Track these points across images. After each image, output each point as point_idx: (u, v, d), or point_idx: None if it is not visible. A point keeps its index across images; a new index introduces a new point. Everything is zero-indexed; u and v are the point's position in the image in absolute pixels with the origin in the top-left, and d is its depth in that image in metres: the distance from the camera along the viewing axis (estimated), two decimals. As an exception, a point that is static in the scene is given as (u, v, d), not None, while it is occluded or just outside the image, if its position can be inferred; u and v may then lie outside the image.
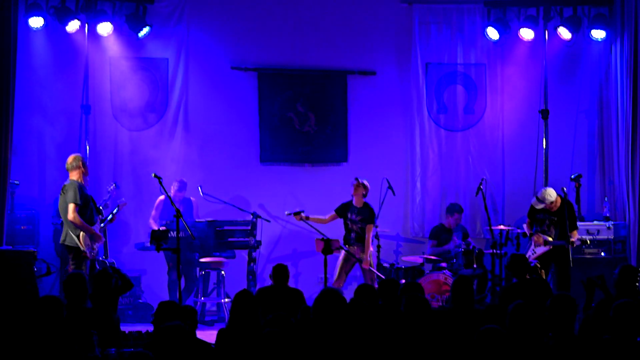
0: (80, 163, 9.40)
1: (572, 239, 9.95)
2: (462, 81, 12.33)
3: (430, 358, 5.71)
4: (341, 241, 10.43)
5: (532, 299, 7.73)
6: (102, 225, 9.61)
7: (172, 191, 10.84)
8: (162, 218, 10.85)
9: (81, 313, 6.78)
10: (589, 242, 10.25)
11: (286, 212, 10.70)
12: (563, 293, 5.97)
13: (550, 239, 10.10)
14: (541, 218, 10.23)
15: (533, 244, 10.24)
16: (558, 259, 10.03)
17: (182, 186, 11.09)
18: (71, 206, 9.14)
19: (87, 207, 9.29)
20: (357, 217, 10.52)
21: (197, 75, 12.01)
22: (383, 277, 10.21)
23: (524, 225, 10.49)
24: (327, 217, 10.69)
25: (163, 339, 5.25)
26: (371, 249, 10.50)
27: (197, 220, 10.99)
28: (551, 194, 10.10)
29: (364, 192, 10.56)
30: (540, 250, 10.14)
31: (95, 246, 9.33)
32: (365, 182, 10.60)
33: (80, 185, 9.28)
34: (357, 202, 10.57)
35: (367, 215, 10.50)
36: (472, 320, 6.23)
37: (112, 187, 10.64)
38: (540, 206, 10.14)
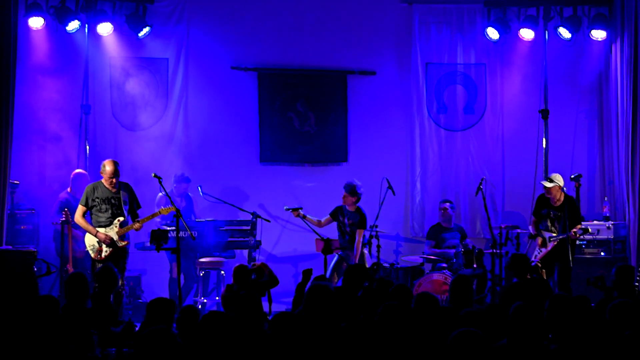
0: (102, 170, 9.47)
1: (573, 230, 9.93)
2: (462, 81, 12.34)
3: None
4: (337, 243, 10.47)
5: (532, 299, 7.74)
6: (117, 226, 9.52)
7: (174, 186, 11.10)
8: (170, 217, 10.80)
9: (81, 313, 6.79)
10: (590, 230, 10.23)
11: (285, 207, 10.72)
12: (561, 293, 5.97)
13: (554, 234, 10.12)
14: (545, 213, 10.24)
15: (537, 247, 10.28)
16: (561, 258, 10.01)
17: (178, 180, 11.10)
18: (78, 207, 9.54)
19: (96, 209, 9.42)
20: (349, 221, 10.53)
21: (197, 75, 12.02)
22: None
23: (530, 227, 10.49)
24: (323, 220, 10.68)
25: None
26: (365, 251, 10.50)
27: (197, 220, 10.99)
28: (560, 177, 10.18)
29: (354, 200, 10.53)
30: (546, 250, 10.15)
31: (103, 247, 9.36)
32: (354, 186, 10.53)
33: (92, 188, 9.49)
34: (349, 206, 10.57)
35: (358, 219, 10.48)
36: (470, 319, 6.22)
37: None
38: (548, 184, 10.13)
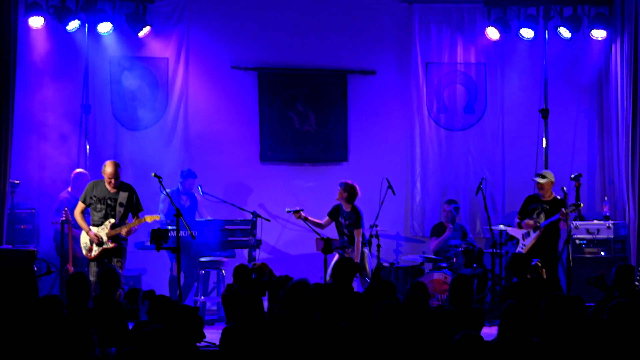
0: (103, 170, 9.52)
1: (563, 208, 10.02)
2: (462, 81, 12.34)
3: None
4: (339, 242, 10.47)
5: (532, 298, 7.75)
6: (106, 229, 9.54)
7: (180, 182, 11.07)
8: (170, 211, 10.78)
9: (82, 312, 6.79)
10: (582, 205, 10.29)
11: (286, 209, 10.72)
12: (557, 293, 5.97)
13: (540, 222, 10.23)
14: (533, 207, 10.36)
15: (522, 237, 10.32)
16: (546, 257, 10.04)
17: (185, 175, 11.11)
18: (78, 204, 9.61)
19: (92, 207, 9.47)
20: (345, 222, 10.51)
21: (197, 74, 12.02)
22: (368, 281, 10.20)
23: (512, 230, 10.56)
24: (323, 221, 10.67)
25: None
26: (366, 250, 10.49)
27: (197, 219, 11.00)
28: (551, 174, 10.39)
29: (345, 197, 10.48)
30: (529, 241, 10.21)
31: (94, 246, 9.39)
32: (349, 184, 10.51)
33: (92, 186, 9.56)
34: (345, 205, 10.56)
35: (354, 219, 10.44)
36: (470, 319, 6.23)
37: None
38: (540, 180, 10.31)
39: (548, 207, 10.28)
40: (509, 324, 5.48)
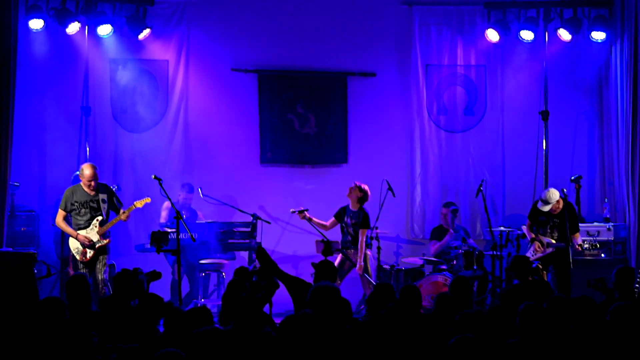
0: (80, 174, 9.59)
1: (575, 241, 9.96)
2: (462, 82, 12.34)
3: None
4: (339, 244, 10.45)
5: (532, 300, 7.74)
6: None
7: (181, 196, 11.10)
8: (170, 220, 10.80)
9: (83, 315, 6.78)
10: (598, 245, 10.25)
11: (291, 210, 10.73)
12: (560, 295, 5.97)
13: (553, 241, 10.16)
14: (544, 220, 10.27)
15: (532, 250, 10.29)
16: (557, 261, 10.05)
17: (190, 189, 11.13)
18: (58, 212, 9.61)
19: (75, 213, 9.52)
20: (351, 221, 10.51)
21: (197, 76, 12.03)
22: (373, 282, 10.18)
23: (524, 227, 10.51)
24: (328, 223, 10.67)
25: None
26: (369, 252, 10.48)
27: (197, 221, 10.99)
28: (555, 194, 10.13)
29: (359, 196, 10.51)
30: (542, 253, 10.20)
31: (87, 249, 9.43)
32: (364, 187, 10.54)
33: (71, 192, 9.59)
34: (352, 205, 10.57)
35: (361, 219, 10.46)
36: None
37: (114, 189, 10.63)
38: (546, 208, 10.15)
39: (558, 221, 10.20)
40: (529, 325, 5.46)
